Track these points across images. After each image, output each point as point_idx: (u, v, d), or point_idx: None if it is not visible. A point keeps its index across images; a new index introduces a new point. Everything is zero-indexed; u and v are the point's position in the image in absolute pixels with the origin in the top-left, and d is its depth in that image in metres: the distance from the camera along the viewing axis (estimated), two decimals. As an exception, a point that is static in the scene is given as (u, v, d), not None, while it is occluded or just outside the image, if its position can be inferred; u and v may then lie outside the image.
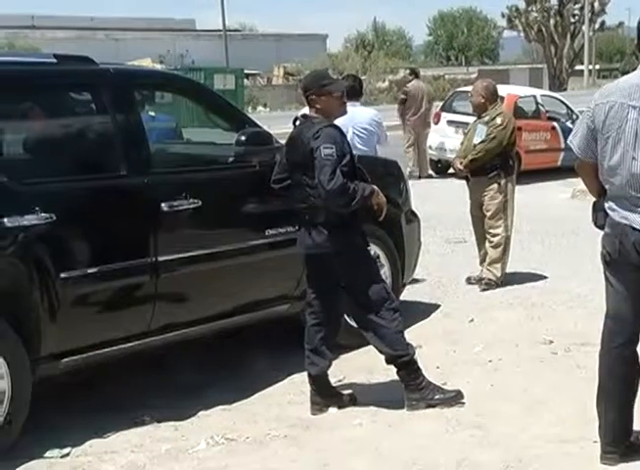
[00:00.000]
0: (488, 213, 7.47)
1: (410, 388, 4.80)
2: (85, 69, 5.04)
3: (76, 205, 4.64)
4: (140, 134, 5.00)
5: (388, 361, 4.83)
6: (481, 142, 7.37)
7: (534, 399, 4.88)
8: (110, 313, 4.78)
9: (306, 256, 4.84)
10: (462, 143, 7.85)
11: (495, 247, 7.49)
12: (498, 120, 7.38)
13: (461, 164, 7.51)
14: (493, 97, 7.53)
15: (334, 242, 4.65)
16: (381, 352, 4.82)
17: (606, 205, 3.90)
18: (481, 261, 7.69)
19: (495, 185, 7.41)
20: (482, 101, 7.47)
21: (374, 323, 4.75)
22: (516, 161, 7.81)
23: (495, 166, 7.39)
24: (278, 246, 5.40)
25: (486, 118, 7.44)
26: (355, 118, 6.71)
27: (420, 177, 14.76)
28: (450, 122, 14.95)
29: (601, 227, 3.95)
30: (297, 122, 4.83)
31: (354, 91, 7.32)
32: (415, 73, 16.01)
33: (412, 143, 14.99)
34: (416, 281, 7.48)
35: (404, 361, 4.78)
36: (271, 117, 24.06)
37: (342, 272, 4.73)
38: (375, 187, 4.74)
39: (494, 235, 7.48)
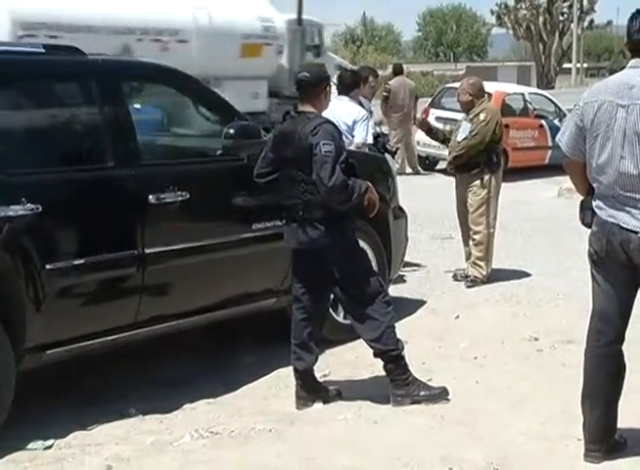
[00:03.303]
0: (471, 209, 7.50)
1: (396, 383, 4.80)
2: (73, 59, 5.01)
3: (63, 196, 4.62)
4: (128, 126, 4.97)
5: (377, 355, 4.84)
6: (465, 139, 7.39)
7: (519, 397, 4.90)
8: (96, 305, 4.76)
9: (296, 250, 4.83)
10: (448, 139, 7.88)
11: (477, 245, 7.51)
12: (481, 116, 7.40)
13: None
14: (480, 94, 7.56)
15: (329, 237, 4.66)
16: (370, 345, 4.83)
17: (593, 203, 3.91)
18: (467, 258, 7.70)
19: (478, 181, 7.44)
20: (470, 98, 7.49)
21: (367, 316, 4.76)
22: (502, 157, 7.84)
23: (479, 163, 7.41)
24: (265, 240, 5.38)
25: (471, 115, 7.46)
26: (336, 112, 6.71)
27: (408, 173, 14.77)
28: (438, 119, 14.93)
29: (588, 225, 3.96)
30: (288, 117, 4.80)
31: (351, 85, 7.34)
32: (396, 71, 15.98)
33: (399, 139, 14.99)
34: (402, 277, 7.49)
35: (393, 356, 4.79)
36: (259, 110, 23.95)
37: (336, 267, 4.73)
38: (369, 184, 4.75)
39: (476, 232, 7.50)
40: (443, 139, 8.03)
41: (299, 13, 18.37)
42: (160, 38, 14.49)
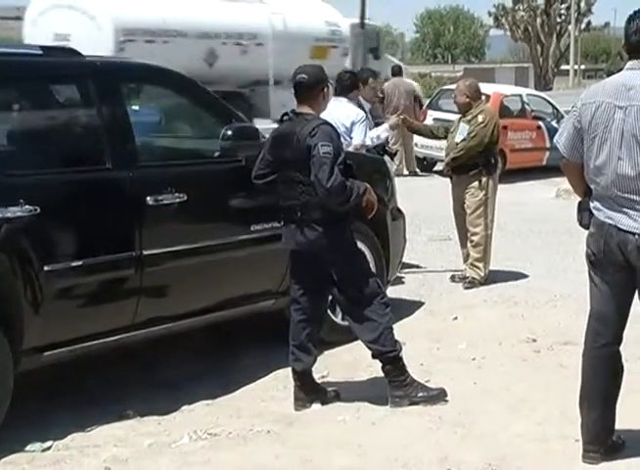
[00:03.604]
0: (469, 211, 7.50)
1: (394, 384, 4.80)
2: (71, 60, 5.01)
3: (61, 197, 4.61)
4: (126, 127, 4.97)
5: (375, 356, 4.84)
6: (463, 140, 7.40)
7: (517, 398, 4.90)
8: (93, 307, 4.76)
9: (294, 252, 4.83)
10: (444, 132, 7.89)
11: (476, 246, 7.51)
12: (480, 118, 7.40)
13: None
14: (477, 95, 7.57)
15: (328, 238, 4.66)
16: (368, 346, 4.83)
17: (591, 204, 3.92)
18: (465, 260, 7.71)
19: (476, 183, 7.44)
20: (467, 100, 7.50)
21: (365, 317, 4.76)
22: (500, 159, 7.86)
23: (477, 164, 7.42)
24: (263, 241, 5.38)
25: (469, 117, 7.47)
26: (334, 113, 6.72)
27: (406, 174, 14.78)
28: (436, 120, 14.96)
29: (586, 227, 3.97)
30: (286, 118, 4.81)
31: (350, 87, 7.35)
32: (394, 72, 16.00)
33: (396, 141, 15.00)
34: (401, 279, 7.50)
35: (391, 357, 4.79)
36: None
37: (334, 268, 4.73)
38: (367, 185, 4.75)
39: (474, 234, 7.50)
40: (431, 134, 8.05)
41: (362, 17, 19.96)
42: (240, 42, 15.69)
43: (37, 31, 14.55)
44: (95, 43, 12.86)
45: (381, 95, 15.40)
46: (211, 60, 15.09)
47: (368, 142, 7.32)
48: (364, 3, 20.23)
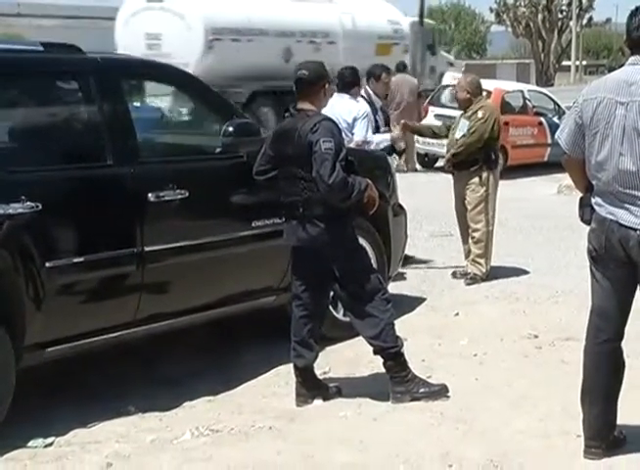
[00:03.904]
0: (470, 207, 7.50)
1: (396, 380, 4.80)
2: (72, 57, 5.01)
3: (63, 194, 4.62)
4: (127, 124, 4.97)
5: (376, 352, 4.84)
6: (463, 136, 7.39)
7: (519, 394, 4.90)
8: (95, 303, 4.77)
9: (296, 248, 4.83)
10: (445, 130, 7.89)
11: (477, 242, 7.51)
12: (479, 114, 7.40)
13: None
14: (477, 91, 7.57)
15: (329, 234, 4.66)
16: (370, 342, 4.83)
17: (592, 200, 3.91)
18: (466, 256, 7.71)
19: (477, 178, 7.44)
20: (468, 96, 7.49)
21: (366, 313, 4.76)
22: (502, 155, 7.85)
23: (477, 160, 7.42)
24: (264, 237, 5.38)
25: (469, 113, 7.46)
26: (337, 109, 6.72)
27: (407, 171, 14.77)
28: (437, 116, 14.95)
29: (587, 223, 3.97)
30: (287, 114, 4.80)
31: (351, 83, 7.36)
32: (399, 69, 16.03)
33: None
34: (402, 274, 7.50)
35: (392, 353, 4.79)
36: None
37: (336, 264, 4.73)
38: (369, 181, 4.75)
39: (475, 230, 7.50)
40: (433, 134, 8.05)
41: (421, 16, 21.45)
42: (314, 40, 17.08)
43: (129, 31, 15.89)
44: (185, 42, 14.83)
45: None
46: (288, 57, 16.11)
47: (370, 139, 7.32)
48: (423, 3, 21.69)
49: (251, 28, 15.93)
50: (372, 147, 7.24)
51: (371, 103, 7.81)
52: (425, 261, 8.28)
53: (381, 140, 7.43)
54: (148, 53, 14.73)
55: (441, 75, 20.80)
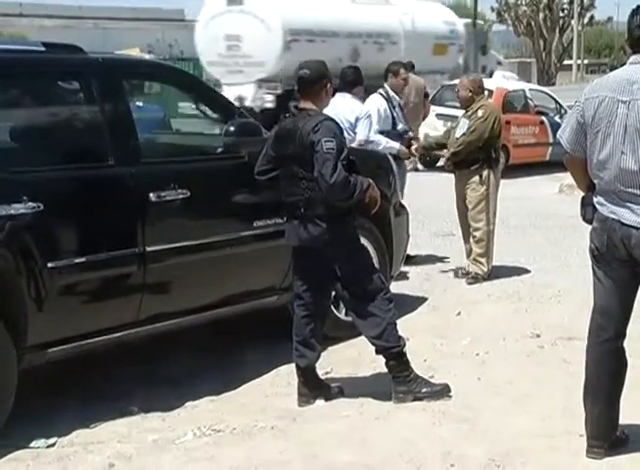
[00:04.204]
0: (470, 206, 7.50)
1: (398, 380, 4.80)
2: (74, 57, 5.01)
3: (64, 194, 4.61)
4: (129, 124, 4.98)
5: (379, 352, 4.84)
6: (462, 135, 7.39)
7: (521, 393, 4.90)
8: (97, 303, 4.77)
9: (297, 248, 4.83)
10: (448, 137, 7.87)
11: (478, 242, 7.51)
12: (479, 113, 7.40)
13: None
14: (479, 90, 7.57)
15: (331, 234, 4.66)
16: (372, 342, 4.83)
17: (594, 199, 3.91)
18: (468, 255, 7.70)
19: (477, 177, 7.43)
20: (470, 95, 7.49)
21: (368, 313, 4.75)
22: (503, 154, 7.84)
23: (477, 159, 7.41)
24: (266, 237, 5.38)
25: (470, 112, 7.46)
26: (339, 109, 6.72)
27: (409, 170, 14.75)
28: (439, 115, 14.97)
29: (589, 222, 3.96)
30: (288, 114, 4.80)
31: (353, 82, 7.36)
32: (405, 68, 16.04)
33: None
34: (404, 274, 7.49)
35: (394, 353, 4.79)
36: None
37: (337, 264, 4.73)
38: (370, 181, 4.74)
39: (476, 229, 7.50)
40: (442, 146, 7.98)
41: (474, 18, 23.80)
42: (378, 41, 18.44)
43: (208, 33, 17.28)
44: (265, 43, 16.17)
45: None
46: (355, 56, 17.16)
47: (372, 139, 7.32)
48: (476, 5, 24.40)
49: (323, 30, 17.27)
50: (378, 148, 7.23)
51: (389, 99, 7.85)
52: (427, 261, 8.27)
53: (388, 147, 7.40)
54: (227, 53, 16.70)
55: (491, 74, 21.47)
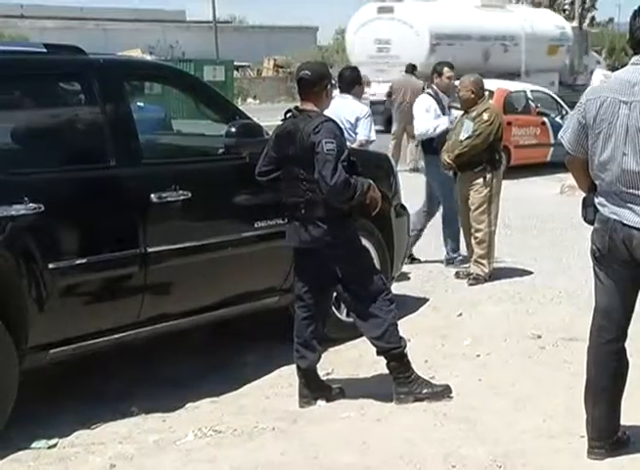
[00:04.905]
0: (473, 207, 7.49)
1: (399, 381, 4.80)
2: (75, 58, 5.01)
3: (65, 195, 4.62)
4: (130, 125, 4.97)
5: (380, 353, 4.84)
6: (468, 138, 7.38)
7: (522, 394, 4.89)
8: (98, 304, 4.77)
9: (298, 249, 4.83)
10: (449, 137, 7.85)
11: (480, 243, 7.50)
12: (485, 116, 7.38)
13: (449, 157, 7.54)
14: (481, 91, 7.56)
15: (332, 235, 4.65)
16: (373, 343, 4.82)
17: (596, 200, 3.91)
18: (470, 256, 7.70)
19: (481, 179, 7.43)
20: (472, 96, 7.47)
21: (370, 314, 4.75)
22: (504, 155, 7.82)
23: (481, 161, 7.41)
24: (267, 238, 5.38)
25: (473, 114, 7.44)
26: (339, 110, 6.72)
27: (406, 169, 14.75)
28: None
29: (590, 223, 3.96)
30: (289, 115, 4.80)
31: (352, 83, 7.36)
32: (407, 69, 16.12)
33: (395, 133, 15.11)
34: (405, 275, 7.49)
35: (396, 354, 4.78)
36: (261, 109, 24.06)
37: (338, 265, 4.73)
38: (371, 182, 4.74)
39: (478, 230, 7.49)
40: None
41: (580, 21, 26.44)
42: (504, 43, 21.28)
43: (359, 38, 20.36)
44: (413, 46, 18.82)
45: (388, 90, 15.59)
46: (486, 57, 20.46)
47: (373, 138, 7.31)
48: (583, 9, 26.78)
49: (460, 34, 20.12)
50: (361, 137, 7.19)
51: (438, 100, 7.91)
52: (428, 262, 8.26)
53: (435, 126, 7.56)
54: (377, 54, 19.63)
55: (591, 72, 24.03)
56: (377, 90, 16.78)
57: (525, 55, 20.90)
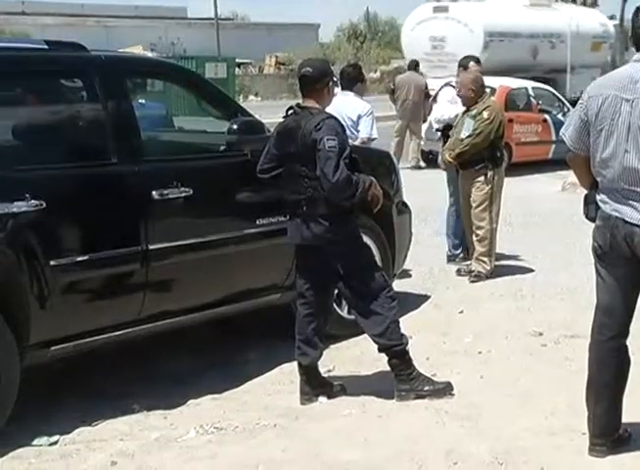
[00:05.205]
0: (474, 204, 7.49)
1: (400, 378, 4.80)
2: (77, 55, 5.01)
3: (67, 192, 4.62)
4: (131, 122, 4.98)
5: (381, 350, 4.84)
6: (468, 136, 7.37)
7: (524, 391, 4.89)
8: (100, 301, 4.77)
9: (300, 246, 4.82)
10: (449, 136, 7.84)
11: (481, 240, 7.50)
12: (485, 115, 7.37)
13: (449, 156, 7.54)
14: (482, 89, 7.54)
15: (333, 233, 4.65)
16: (375, 340, 4.82)
17: (597, 197, 3.90)
18: (471, 253, 7.70)
19: (482, 177, 7.42)
20: (472, 94, 7.46)
21: (371, 311, 4.75)
22: (506, 153, 7.81)
23: (483, 158, 7.40)
24: (269, 235, 5.38)
25: (474, 112, 7.43)
26: (341, 107, 6.72)
27: (409, 167, 14.76)
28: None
29: (592, 220, 3.95)
30: (291, 112, 4.79)
31: (354, 80, 7.36)
32: (409, 67, 16.14)
33: (398, 131, 15.10)
34: (406, 272, 7.49)
35: (397, 351, 4.78)
36: (262, 106, 24.03)
37: (340, 262, 4.73)
38: (373, 179, 4.74)
39: (479, 227, 7.48)
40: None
41: (621, 19, 26.20)
42: (551, 40, 21.78)
43: (414, 35, 20.70)
44: (467, 43, 18.53)
45: (391, 87, 15.59)
46: (534, 54, 20.98)
47: (375, 136, 7.31)
48: (624, 7, 26.54)
49: (510, 32, 20.51)
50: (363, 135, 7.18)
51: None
52: (429, 259, 8.25)
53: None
54: (432, 52, 20.12)
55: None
56: (432, 85, 17.22)
57: (571, 51, 21.40)
